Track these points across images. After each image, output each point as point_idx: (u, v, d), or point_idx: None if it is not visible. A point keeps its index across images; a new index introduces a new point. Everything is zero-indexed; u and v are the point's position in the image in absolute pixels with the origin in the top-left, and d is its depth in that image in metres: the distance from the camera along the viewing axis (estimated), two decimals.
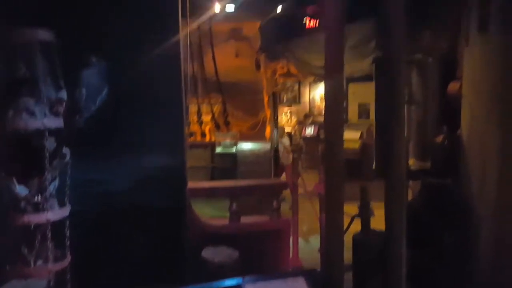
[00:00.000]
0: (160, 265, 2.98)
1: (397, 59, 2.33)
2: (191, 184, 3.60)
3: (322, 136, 7.12)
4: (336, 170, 2.43)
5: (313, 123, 9.09)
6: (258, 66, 6.83)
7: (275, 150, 6.92)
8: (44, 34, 2.46)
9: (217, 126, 7.80)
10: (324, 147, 2.58)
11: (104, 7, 2.81)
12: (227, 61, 7.82)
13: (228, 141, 6.66)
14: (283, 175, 6.38)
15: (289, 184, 4.52)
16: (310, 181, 5.51)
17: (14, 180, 2.46)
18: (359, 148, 7.45)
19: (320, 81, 8.30)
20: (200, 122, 7.98)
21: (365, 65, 4.90)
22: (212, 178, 6.63)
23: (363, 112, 8.43)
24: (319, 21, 5.31)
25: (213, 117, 7.86)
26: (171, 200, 3.13)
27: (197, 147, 6.90)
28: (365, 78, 5.25)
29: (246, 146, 6.62)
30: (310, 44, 5.38)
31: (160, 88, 3.12)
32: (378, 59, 3.98)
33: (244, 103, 8.20)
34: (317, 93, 9.62)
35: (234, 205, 3.73)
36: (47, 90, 2.47)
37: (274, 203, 3.87)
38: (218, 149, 6.70)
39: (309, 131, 8.84)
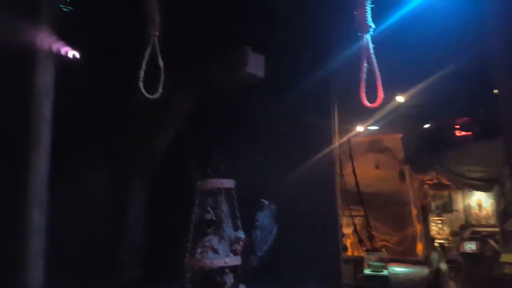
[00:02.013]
0: None
1: None
2: None
3: (488, 253, 6.21)
4: None
5: (473, 235, 8.00)
6: (402, 178, 6.69)
7: (434, 277, 6.21)
8: (227, 183, 3.04)
9: (359, 241, 7.56)
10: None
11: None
12: (367, 172, 7.87)
13: (376, 262, 6.32)
14: None
15: None
16: None
17: None
18: None
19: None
20: (341, 235, 7.88)
21: None
22: None
23: None
24: (471, 133, 5.17)
25: (355, 231, 7.69)
26: None
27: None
28: None
29: (399, 269, 6.12)
30: (463, 157, 5.17)
31: (319, 205, 3.40)
32: None
33: (388, 216, 7.89)
34: (473, 199, 8.65)
35: None
36: (228, 230, 2.94)
37: None
38: (367, 271, 6.36)
39: (469, 246, 7.76)
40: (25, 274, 2.31)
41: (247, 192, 3.06)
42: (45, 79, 2.63)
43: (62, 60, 2.82)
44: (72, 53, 3.06)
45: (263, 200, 3.02)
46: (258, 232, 2.90)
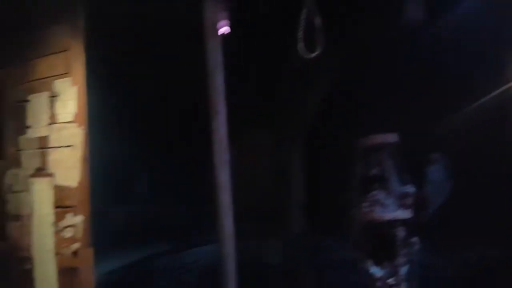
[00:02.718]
0: None
1: None
2: None
3: None
4: None
5: None
6: None
7: None
8: (391, 137, 2.95)
9: None
10: None
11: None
12: None
13: None
14: None
15: None
16: None
17: (370, 262, 2.93)
18: None
19: None
20: None
21: None
22: None
23: None
24: None
25: None
26: None
27: None
28: None
29: None
30: None
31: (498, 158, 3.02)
32: None
33: None
34: None
35: None
36: (396, 185, 2.89)
37: None
38: None
39: None
40: (220, 224, 2.76)
41: (416, 146, 2.92)
42: (216, 55, 2.96)
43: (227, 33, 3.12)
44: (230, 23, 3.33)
45: (434, 153, 2.84)
46: (430, 186, 2.77)
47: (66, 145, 3.01)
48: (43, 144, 3.12)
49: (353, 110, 3.44)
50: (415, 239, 2.82)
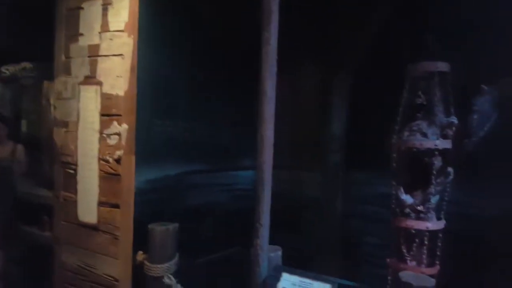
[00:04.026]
0: None
1: None
2: None
3: None
4: None
5: None
6: None
7: None
8: (441, 66, 2.90)
9: None
10: None
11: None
12: None
13: None
14: None
15: None
16: None
17: (402, 189, 3.01)
18: None
19: None
20: None
21: None
22: None
23: None
24: None
25: None
26: None
27: None
28: None
29: None
30: None
31: None
32: None
33: None
34: None
35: None
36: (439, 115, 2.88)
37: None
38: None
39: None
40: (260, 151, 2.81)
41: (466, 76, 2.86)
42: None
43: None
44: None
45: (483, 85, 2.79)
46: (475, 117, 2.76)
47: (116, 54, 3.10)
48: (93, 52, 3.23)
49: (406, 35, 3.34)
50: (450, 169, 2.84)
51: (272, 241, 2.64)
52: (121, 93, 3.10)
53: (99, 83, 3.22)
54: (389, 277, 3.09)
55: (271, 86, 2.63)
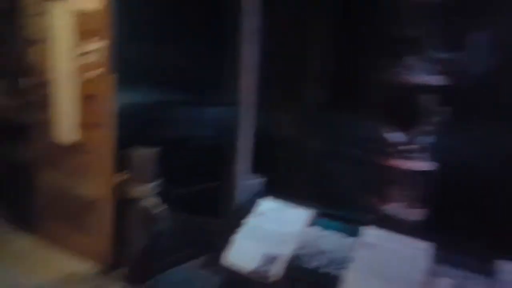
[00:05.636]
0: None
1: None
2: None
3: None
4: None
5: None
6: None
7: None
8: None
9: None
10: None
11: None
12: None
13: None
14: None
15: None
16: None
17: (391, 128, 2.95)
18: None
19: None
20: None
21: None
22: None
23: None
24: None
25: None
26: None
27: None
28: None
29: None
30: None
31: None
32: None
33: None
34: None
35: None
36: (431, 50, 2.75)
37: None
38: None
39: None
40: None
41: (461, 7, 2.66)
42: None
43: None
44: None
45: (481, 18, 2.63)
46: (469, 51, 2.64)
47: None
48: None
49: None
50: (443, 109, 2.78)
51: None
52: (95, 7, 2.88)
53: None
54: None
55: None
